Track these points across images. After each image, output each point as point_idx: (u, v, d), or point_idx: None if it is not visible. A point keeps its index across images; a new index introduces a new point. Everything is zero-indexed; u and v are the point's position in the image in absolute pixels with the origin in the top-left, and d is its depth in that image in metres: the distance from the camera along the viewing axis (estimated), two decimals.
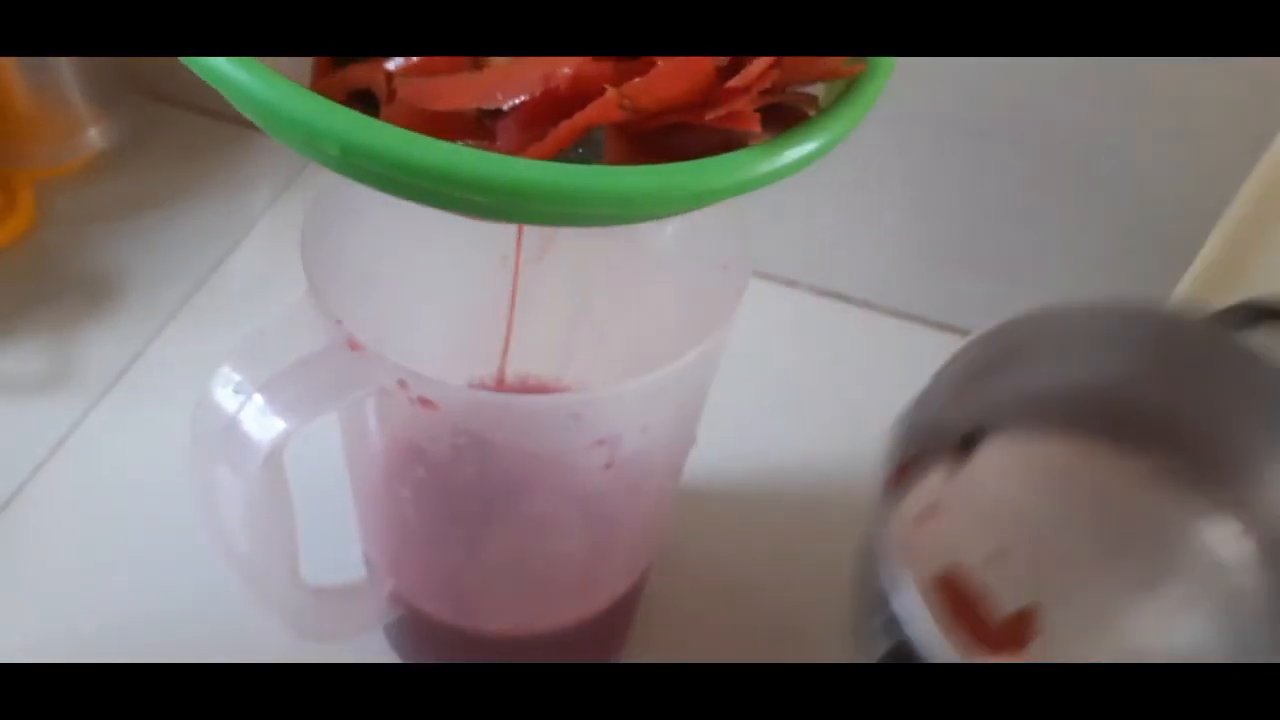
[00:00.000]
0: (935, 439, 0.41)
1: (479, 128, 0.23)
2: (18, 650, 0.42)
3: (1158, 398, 0.41)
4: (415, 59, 0.24)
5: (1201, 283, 0.54)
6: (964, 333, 0.59)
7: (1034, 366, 0.41)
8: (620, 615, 0.42)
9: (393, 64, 0.23)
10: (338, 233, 0.31)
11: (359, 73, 0.24)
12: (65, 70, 0.57)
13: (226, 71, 0.20)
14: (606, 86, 0.21)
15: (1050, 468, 0.44)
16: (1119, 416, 0.42)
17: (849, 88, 0.25)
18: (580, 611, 0.38)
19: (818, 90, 0.26)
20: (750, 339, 0.57)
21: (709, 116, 0.22)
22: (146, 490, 0.47)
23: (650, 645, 0.45)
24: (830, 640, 0.44)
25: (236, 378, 0.27)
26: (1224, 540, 0.42)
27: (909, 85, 0.50)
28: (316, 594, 0.35)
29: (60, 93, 0.57)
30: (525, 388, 0.40)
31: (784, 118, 0.24)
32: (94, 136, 0.59)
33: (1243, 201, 0.50)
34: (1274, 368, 0.37)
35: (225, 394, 0.27)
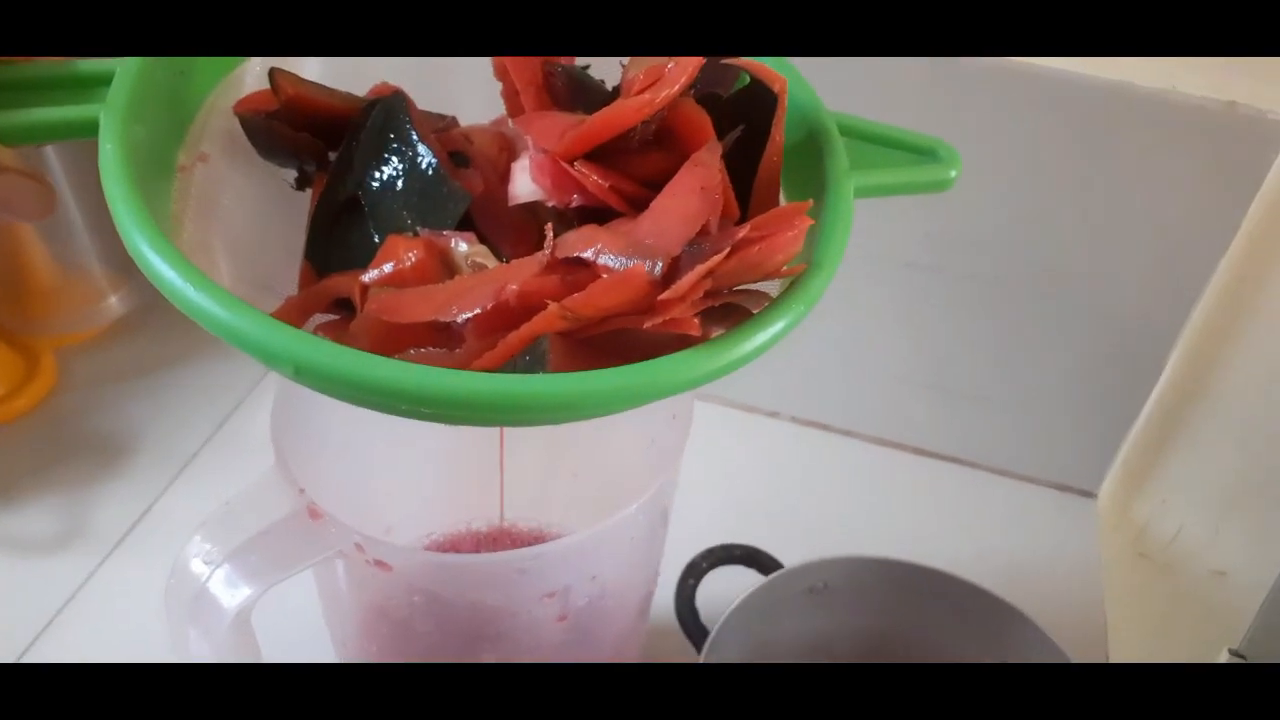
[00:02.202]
0: None
1: (440, 335, 0.25)
2: None
3: (916, 636, 0.47)
4: (387, 271, 0.26)
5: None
6: (941, 457, 0.61)
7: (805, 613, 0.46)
8: None
9: (368, 276, 0.26)
10: (307, 403, 0.33)
11: (339, 284, 0.27)
12: (86, 240, 0.61)
13: (195, 300, 0.23)
14: (548, 301, 0.23)
15: None
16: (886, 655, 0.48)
17: (795, 283, 0.26)
18: None
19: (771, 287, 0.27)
20: (733, 466, 0.59)
21: (648, 324, 0.23)
22: (153, 643, 0.48)
23: None
24: None
25: (206, 547, 0.29)
26: None
27: (874, 225, 0.53)
28: None
29: (81, 262, 0.61)
30: (514, 534, 0.42)
31: (732, 316, 0.25)
32: (114, 304, 0.62)
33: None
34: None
35: (196, 563, 0.29)
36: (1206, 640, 0.50)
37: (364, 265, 0.26)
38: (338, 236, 0.28)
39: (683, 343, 0.24)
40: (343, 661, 0.38)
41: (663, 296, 0.23)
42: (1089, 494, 0.61)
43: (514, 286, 0.24)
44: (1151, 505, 0.59)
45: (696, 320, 0.23)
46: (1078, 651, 0.41)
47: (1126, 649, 0.53)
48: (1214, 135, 0.46)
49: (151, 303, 0.63)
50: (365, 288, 0.25)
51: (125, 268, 0.63)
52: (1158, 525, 0.58)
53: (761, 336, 0.24)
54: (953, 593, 0.45)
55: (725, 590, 0.42)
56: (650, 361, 0.23)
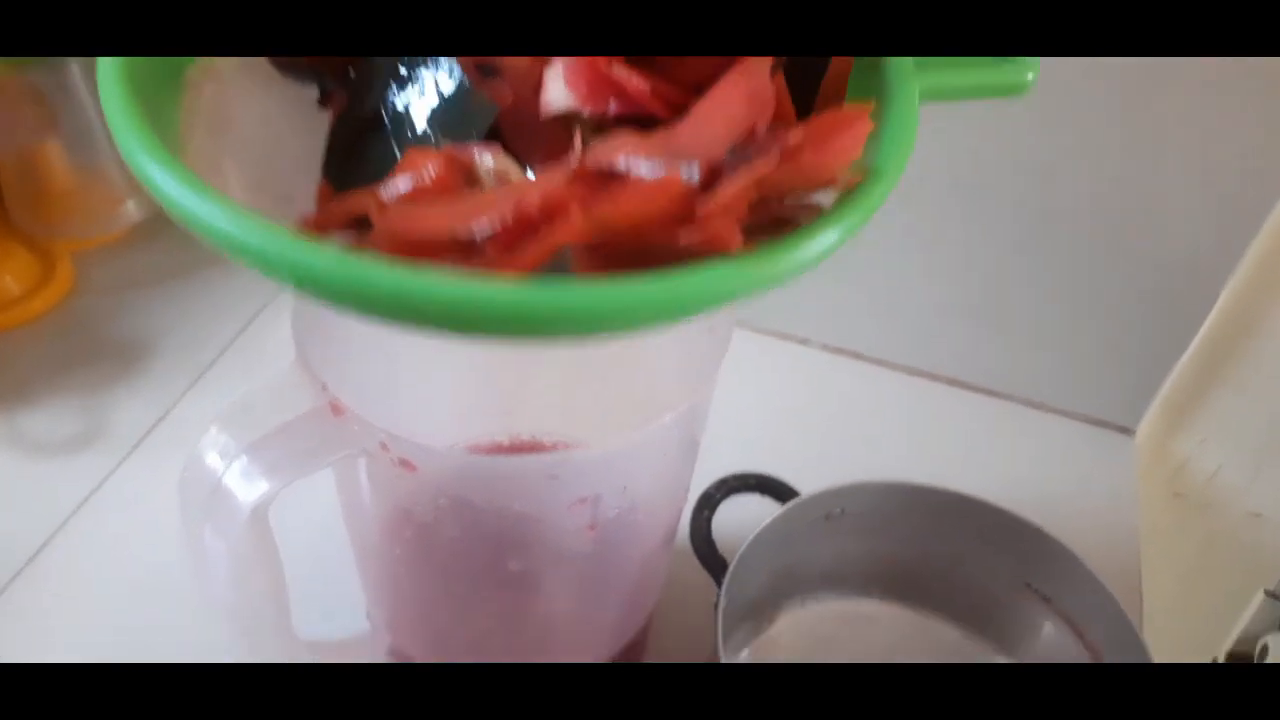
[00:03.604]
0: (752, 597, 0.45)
1: (460, 252, 0.23)
2: None
3: (939, 564, 0.46)
4: (406, 186, 0.24)
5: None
6: (976, 389, 0.60)
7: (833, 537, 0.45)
8: None
9: (386, 193, 0.24)
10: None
11: (357, 201, 0.25)
12: (105, 145, 0.60)
13: (188, 204, 0.21)
14: (574, 207, 0.21)
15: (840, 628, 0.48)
16: (908, 581, 0.48)
17: (852, 191, 0.24)
18: None
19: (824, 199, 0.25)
20: (760, 395, 0.58)
21: (683, 237, 0.21)
22: (168, 544, 0.48)
23: None
24: None
25: (223, 440, 0.28)
26: None
27: (921, 147, 0.51)
28: (312, 648, 0.35)
29: (100, 167, 0.60)
30: (525, 447, 0.41)
31: (780, 232, 0.23)
32: (131, 209, 0.61)
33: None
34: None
35: (212, 456, 0.28)
36: (1241, 581, 0.49)
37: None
38: (358, 153, 0.27)
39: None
40: (363, 567, 0.37)
41: (702, 207, 0.21)
42: (1127, 430, 0.59)
43: (536, 194, 0.22)
44: (1190, 444, 0.58)
45: (740, 235, 0.21)
46: (1111, 588, 0.40)
47: (1160, 588, 0.52)
48: (1274, 71, 0.44)
49: None
50: (382, 203, 0.24)
51: None
52: (1196, 464, 0.57)
53: (814, 247, 0.22)
54: (979, 518, 0.44)
55: (741, 520, 0.41)
56: (689, 269, 0.21)
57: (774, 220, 0.23)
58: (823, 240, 0.22)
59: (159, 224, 0.62)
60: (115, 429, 0.53)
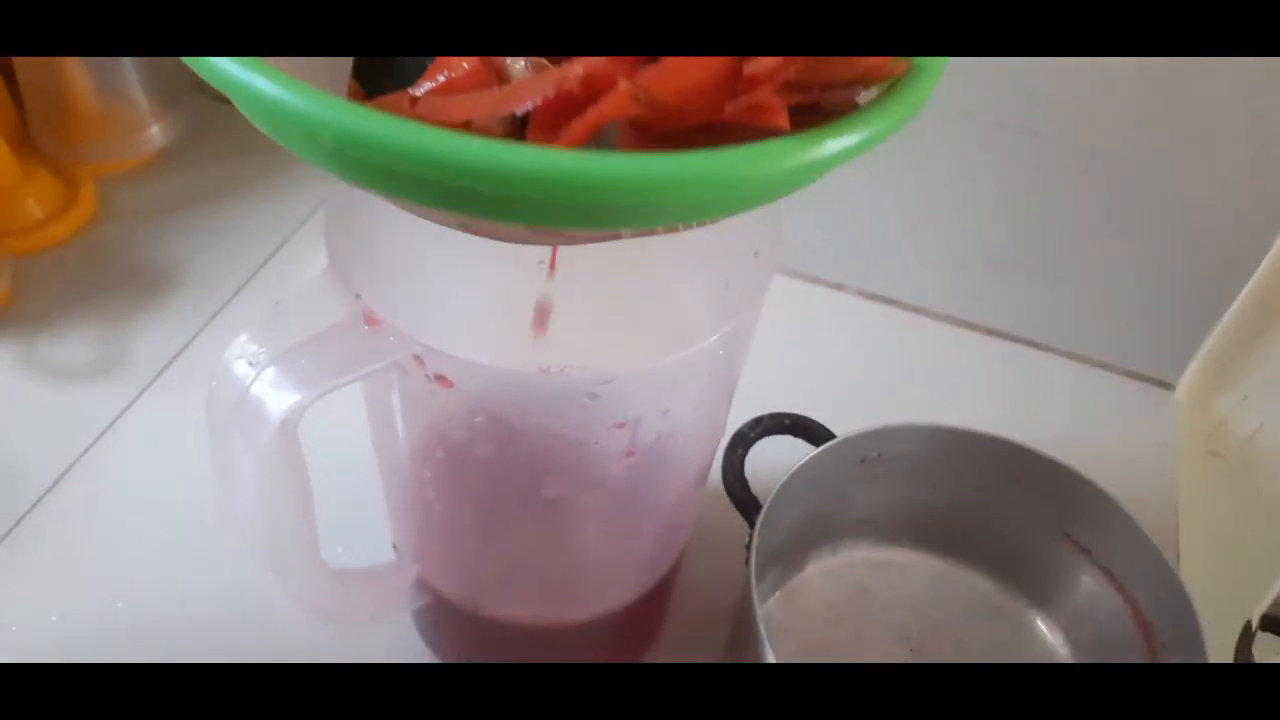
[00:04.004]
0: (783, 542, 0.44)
1: (500, 136, 0.22)
2: (56, 623, 0.43)
3: (975, 512, 0.45)
4: (441, 82, 0.23)
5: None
6: (1014, 339, 0.58)
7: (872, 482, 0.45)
8: (650, 609, 0.41)
9: (419, 89, 0.23)
10: (364, 213, 0.31)
11: (388, 102, 0.24)
12: (129, 69, 0.58)
13: (220, 66, 0.20)
14: (619, 79, 0.20)
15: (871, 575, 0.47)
16: (942, 529, 0.47)
17: (892, 88, 0.23)
18: (607, 604, 0.38)
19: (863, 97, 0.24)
20: (794, 339, 0.56)
21: (729, 108, 0.21)
22: (188, 473, 0.48)
23: (682, 642, 0.44)
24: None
25: (253, 349, 0.27)
26: (1042, 632, 0.46)
27: (960, 85, 0.49)
28: (338, 576, 0.34)
29: (124, 91, 0.59)
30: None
31: (821, 120, 0.22)
32: (155, 134, 0.60)
33: None
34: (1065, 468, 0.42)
35: (241, 365, 0.27)
36: (1278, 542, 0.47)
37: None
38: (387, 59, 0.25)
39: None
40: (391, 494, 0.36)
41: (747, 70, 0.20)
42: (1167, 385, 0.58)
43: (580, 70, 0.21)
44: (1231, 401, 0.56)
45: (785, 111, 0.21)
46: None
47: (1196, 547, 0.51)
48: None
49: (194, 135, 0.61)
50: (415, 100, 0.23)
51: (169, 98, 0.61)
52: (1236, 422, 0.56)
53: (864, 130, 0.21)
54: (1019, 464, 0.42)
55: (774, 462, 0.40)
56: (742, 146, 0.20)
57: (812, 107, 0.22)
58: (870, 126, 0.22)
59: (184, 150, 0.61)
60: (137, 358, 0.52)
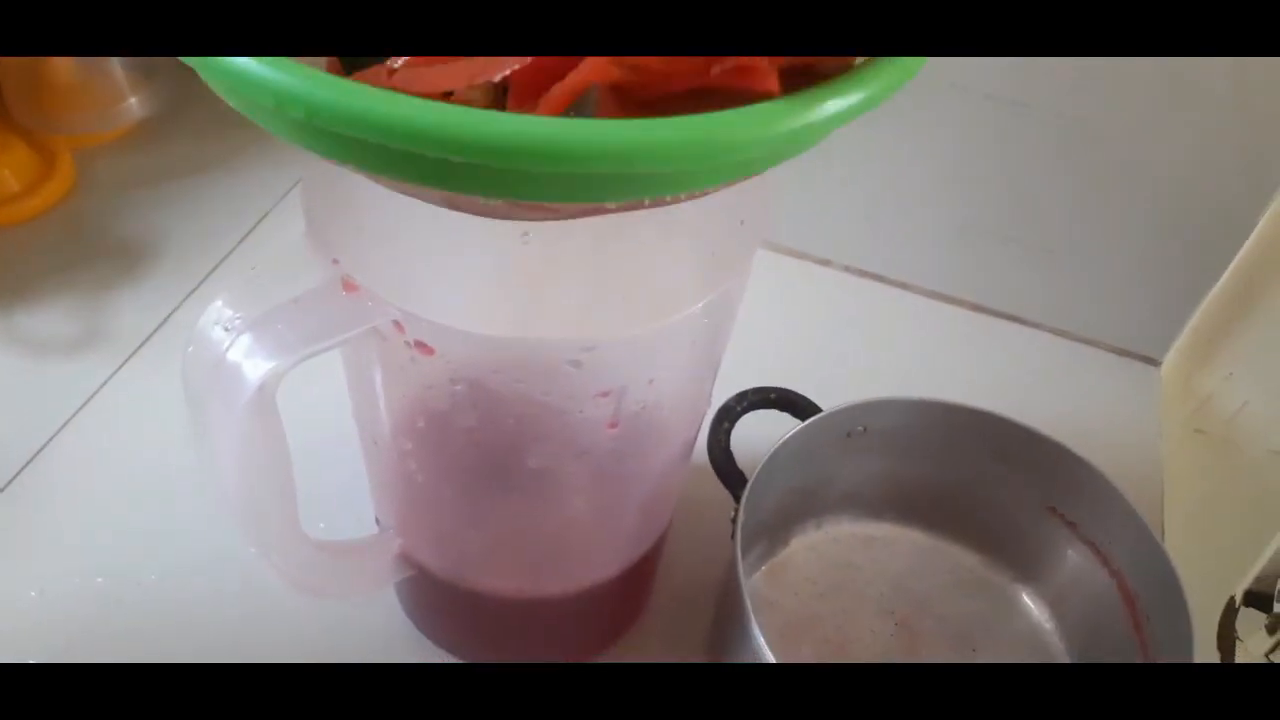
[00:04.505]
0: (768, 516, 0.44)
1: (479, 105, 0.21)
2: (35, 598, 0.42)
3: (961, 487, 0.45)
4: (418, 57, 0.22)
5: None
6: (999, 314, 0.58)
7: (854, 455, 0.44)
8: (635, 584, 0.41)
9: (397, 62, 0.22)
10: (343, 177, 0.30)
11: (368, 76, 0.23)
12: None
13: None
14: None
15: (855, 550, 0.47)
16: (928, 504, 0.47)
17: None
18: (592, 577, 0.38)
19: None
20: (780, 314, 0.56)
21: (716, 71, 0.20)
22: (169, 447, 0.47)
23: (668, 617, 0.44)
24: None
25: (228, 314, 0.27)
26: (1027, 606, 0.45)
27: (947, 60, 0.49)
28: (320, 549, 0.34)
29: (102, 63, 0.58)
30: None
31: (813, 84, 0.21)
32: (133, 106, 0.59)
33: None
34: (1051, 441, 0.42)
35: (217, 330, 0.27)
36: (1262, 518, 0.47)
37: None
38: None
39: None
40: (372, 467, 0.36)
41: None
42: (1153, 361, 0.58)
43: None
44: (1216, 378, 0.56)
45: (775, 74, 0.20)
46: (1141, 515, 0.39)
47: (1180, 524, 0.51)
48: None
49: (173, 107, 0.60)
50: (393, 73, 0.22)
51: (147, 70, 0.60)
52: (1220, 399, 0.56)
53: (860, 92, 0.21)
54: (1005, 438, 0.42)
55: (759, 436, 0.40)
56: (731, 110, 0.19)
57: (803, 69, 0.22)
58: (866, 88, 0.21)
59: (162, 122, 0.60)
60: (116, 332, 0.52)
